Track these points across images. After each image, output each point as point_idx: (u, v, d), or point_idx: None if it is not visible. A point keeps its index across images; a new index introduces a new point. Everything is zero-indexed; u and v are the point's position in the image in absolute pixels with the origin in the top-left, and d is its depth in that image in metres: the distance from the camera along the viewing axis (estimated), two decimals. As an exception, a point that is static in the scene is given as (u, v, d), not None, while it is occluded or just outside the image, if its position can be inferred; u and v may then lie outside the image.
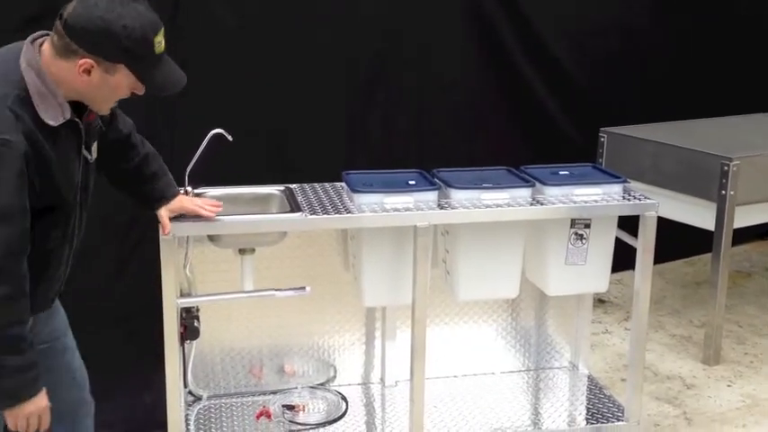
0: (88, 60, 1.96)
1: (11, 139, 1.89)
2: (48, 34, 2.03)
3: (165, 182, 2.48)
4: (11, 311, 1.95)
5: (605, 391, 3.25)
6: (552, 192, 2.86)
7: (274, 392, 3.14)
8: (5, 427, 2.06)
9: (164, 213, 2.47)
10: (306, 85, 3.68)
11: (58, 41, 1.97)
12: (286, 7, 3.65)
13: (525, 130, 4.38)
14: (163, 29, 2.02)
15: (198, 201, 2.57)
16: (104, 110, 2.13)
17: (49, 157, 1.99)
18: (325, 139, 3.79)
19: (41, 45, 2.01)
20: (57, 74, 1.98)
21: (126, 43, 1.95)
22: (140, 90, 2.06)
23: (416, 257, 2.69)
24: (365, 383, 3.27)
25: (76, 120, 2.04)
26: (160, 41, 2.01)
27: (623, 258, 3.14)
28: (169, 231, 2.46)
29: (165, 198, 2.47)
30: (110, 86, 2.01)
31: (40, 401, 2.03)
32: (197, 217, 2.52)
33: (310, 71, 3.70)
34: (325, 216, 2.65)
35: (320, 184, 2.97)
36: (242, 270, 2.78)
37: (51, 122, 1.97)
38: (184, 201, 2.52)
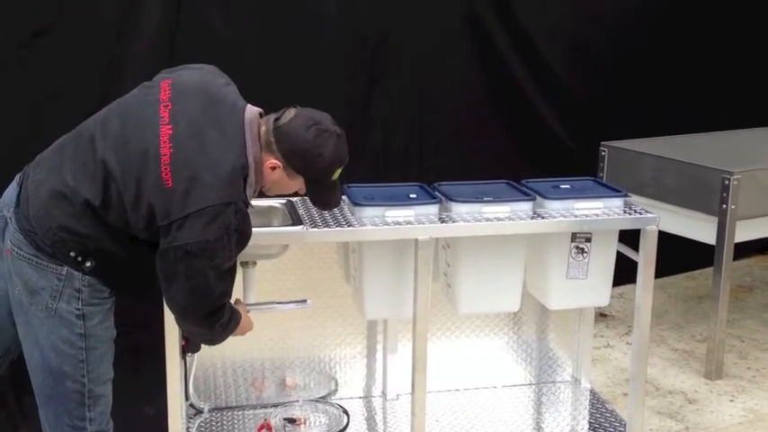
0: (278, 162, 2.25)
1: (246, 230, 2.22)
2: (259, 112, 2.29)
3: None
4: (228, 330, 2.38)
5: (607, 406, 3.24)
6: (553, 205, 2.86)
7: (275, 405, 3.14)
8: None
9: None
10: (303, 97, 3.67)
11: (264, 135, 2.24)
12: (283, 18, 3.67)
13: (525, 143, 4.39)
14: (346, 162, 2.32)
15: None
16: (269, 195, 2.43)
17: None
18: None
19: (260, 126, 2.26)
20: (255, 157, 2.23)
21: (314, 167, 2.26)
22: (303, 192, 2.38)
23: (417, 271, 2.69)
24: (366, 397, 3.27)
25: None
26: (338, 172, 2.32)
27: (624, 272, 3.13)
28: None
29: None
30: (283, 184, 2.32)
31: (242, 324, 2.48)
32: None
33: (308, 83, 3.71)
34: (327, 229, 2.66)
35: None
36: (243, 283, 2.78)
37: (250, 202, 2.24)
38: None
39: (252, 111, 2.28)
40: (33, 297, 2.19)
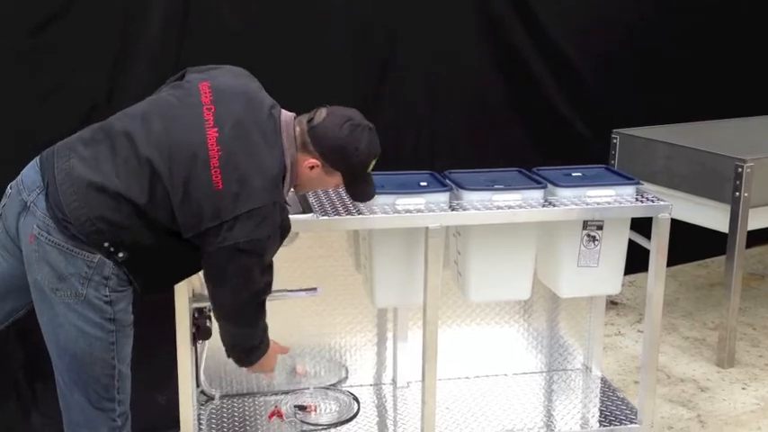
0: (316, 161, 2.33)
1: (288, 225, 2.31)
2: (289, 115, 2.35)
3: None
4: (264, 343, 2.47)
5: (618, 394, 3.24)
6: (564, 193, 2.85)
7: (286, 393, 3.15)
8: None
9: None
10: (313, 87, 3.68)
11: (299, 136, 2.32)
12: (292, 9, 3.65)
13: (537, 131, 4.37)
14: (380, 153, 2.41)
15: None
16: (305, 192, 2.56)
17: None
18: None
19: (294, 127, 2.32)
20: (292, 158, 2.31)
21: (352, 161, 2.35)
22: (340, 187, 2.48)
23: (428, 259, 2.69)
24: (377, 384, 3.27)
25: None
26: (372, 164, 2.41)
27: (636, 260, 3.12)
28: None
29: None
30: (322, 182, 2.42)
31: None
32: None
33: (318, 73, 3.70)
34: (337, 217, 2.66)
35: (332, 185, 2.97)
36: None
37: (285, 200, 2.32)
38: None
39: (287, 114, 2.35)
40: (62, 282, 2.20)
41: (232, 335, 2.41)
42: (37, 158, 2.30)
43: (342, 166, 2.36)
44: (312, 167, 2.34)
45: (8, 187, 2.32)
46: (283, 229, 2.29)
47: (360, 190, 2.46)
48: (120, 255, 2.21)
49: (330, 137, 2.31)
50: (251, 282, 2.26)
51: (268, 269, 2.30)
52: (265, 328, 2.44)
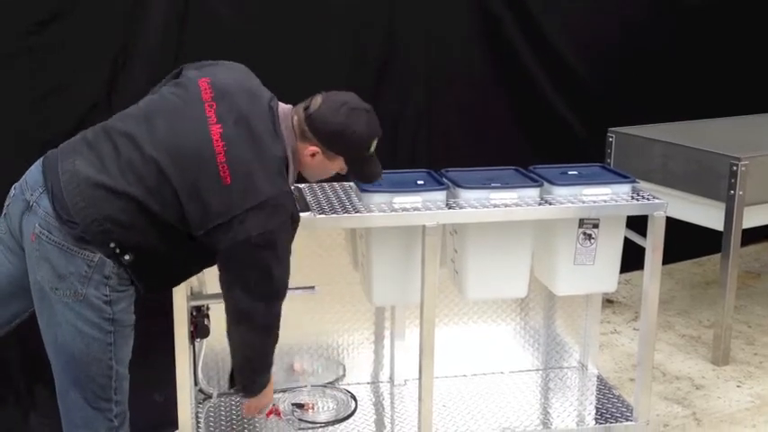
0: (316, 148, 2.34)
1: (298, 217, 2.31)
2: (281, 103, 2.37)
3: None
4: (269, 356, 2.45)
5: (614, 391, 3.25)
6: (561, 192, 2.86)
7: (284, 391, 3.16)
8: None
9: None
10: (311, 85, 3.66)
11: (297, 126, 2.35)
12: (290, 7, 3.66)
13: (534, 129, 4.37)
14: (380, 134, 2.41)
15: None
16: (312, 180, 2.55)
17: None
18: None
19: (292, 117, 2.35)
20: (293, 148, 2.34)
21: (351, 144, 2.36)
22: (344, 172, 2.46)
23: (425, 257, 2.70)
24: (374, 382, 3.28)
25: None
26: (374, 145, 2.40)
27: (632, 258, 3.13)
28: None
29: None
30: (325, 168, 2.42)
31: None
32: None
33: (315, 71, 3.70)
34: (334, 215, 2.67)
35: (329, 184, 2.98)
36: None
37: (291, 188, 2.31)
38: None
39: (284, 105, 2.38)
40: (61, 282, 2.20)
41: (246, 343, 2.37)
42: (41, 159, 2.31)
43: (342, 150, 2.36)
44: (313, 155, 2.35)
45: (12, 188, 2.32)
46: (294, 221, 2.30)
47: (365, 172, 2.47)
48: (126, 257, 2.21)
49: (327, 122, 2.32)
50: (268, 278, 2.25)
51: (284, 268, 2.30)
52: (272, 352, 2.42)
